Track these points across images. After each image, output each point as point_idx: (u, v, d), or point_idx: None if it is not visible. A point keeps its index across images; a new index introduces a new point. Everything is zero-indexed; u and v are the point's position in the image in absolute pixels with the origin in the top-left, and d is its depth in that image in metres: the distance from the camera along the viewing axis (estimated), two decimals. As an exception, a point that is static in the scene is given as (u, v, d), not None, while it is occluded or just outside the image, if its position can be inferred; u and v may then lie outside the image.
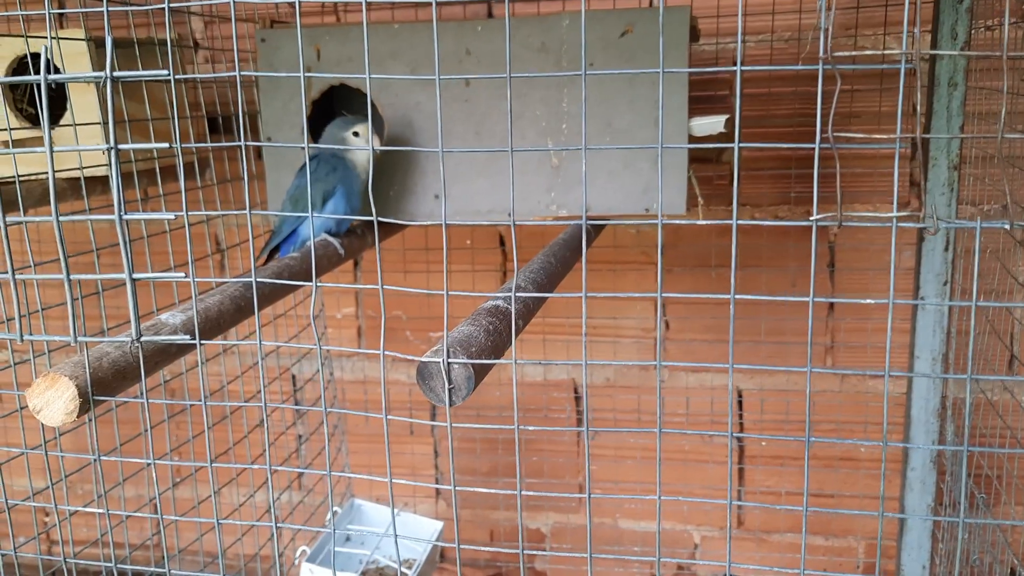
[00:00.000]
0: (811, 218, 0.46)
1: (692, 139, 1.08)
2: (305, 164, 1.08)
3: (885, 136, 0.44)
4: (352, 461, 1.77)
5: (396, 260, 1.63)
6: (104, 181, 1.14)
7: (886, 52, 0.94)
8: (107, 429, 1.45)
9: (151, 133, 1.16)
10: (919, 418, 1.34)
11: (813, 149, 0.45)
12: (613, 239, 1.59)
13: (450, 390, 0.52)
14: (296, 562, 1.33)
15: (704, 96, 1.50)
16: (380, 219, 0.52)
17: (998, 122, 1.22)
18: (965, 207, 1.32)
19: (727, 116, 1.05)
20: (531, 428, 0.47)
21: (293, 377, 1.72)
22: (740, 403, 1.62)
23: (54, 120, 1.14)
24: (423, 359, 0.53)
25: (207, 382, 0.51)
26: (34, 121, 1.20)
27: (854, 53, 0.46)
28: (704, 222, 0.49)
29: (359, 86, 1.13)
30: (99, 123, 1.04)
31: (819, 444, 1.59)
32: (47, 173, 1.04)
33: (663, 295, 0.49)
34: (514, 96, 1.09)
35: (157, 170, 1.20)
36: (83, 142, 1.09)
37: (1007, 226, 0.43)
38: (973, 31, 1.25)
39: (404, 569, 1.35)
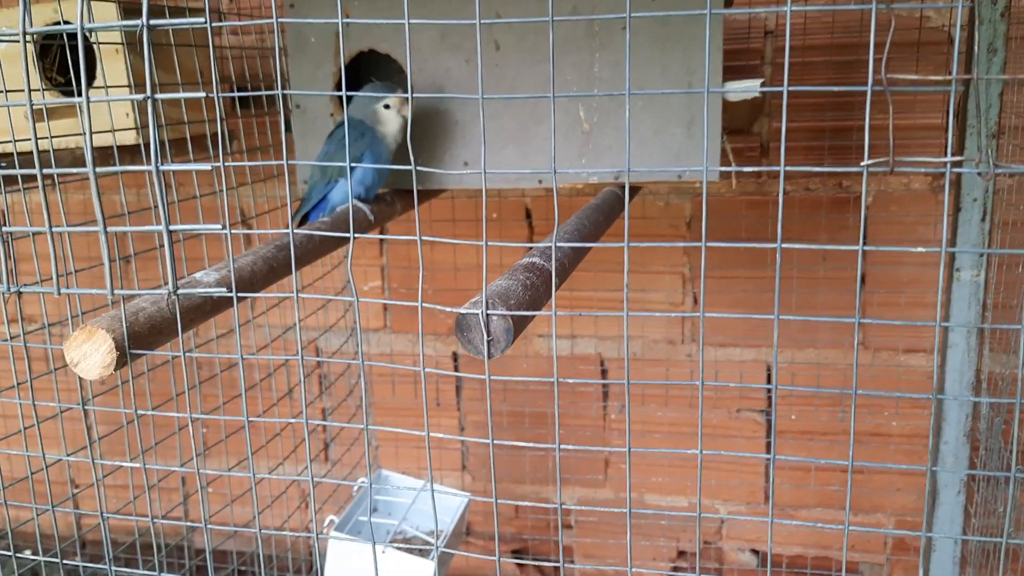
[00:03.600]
0: (862, 163, 0.45)
1: (727, 104, 1.06)
2: (333, 131, 1.07)
3: (939, 78, 0.43)
4: (379, 434, 1.77)
5: (423, 231, 1.62)
6: (134, 150, 1.14)
7: None
8: (136, 399, 1.45)
9: (182, 104, 1.16)
10: (953, 392, 1.32)
11: (860, 101, 0.43)
12: (642, 211, 1.58)
13: (489, 342, 0.51)
14: (324, 532, 1.34)
15: (736, 66, 1.48)
16: (419, 168, 0.51)
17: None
18: (1003, 179, 1.30)
19: (762, 79, 1.03)
20: (570, 380, 0.46)
21: (318, 350, 1.72)
22: (768, 377, 1.60)
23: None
24: (462, 310, 0.52)
25: (240, 339, 0.51)
26: (64, 90, 1.20)
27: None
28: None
29: (388, 51, 1.12)
30: (128, 86, 1.04)
31: (850, 419, 1.57)
32: (80, 136, 1.04)
33: (706, 244, 0.48)
34: (544, 60, 1.08)
35: (188, 139, 1.20)
36: (113, 110, 1.09)
37: (1067, 170, 0.41)
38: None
39: (431, 539, 1.36)
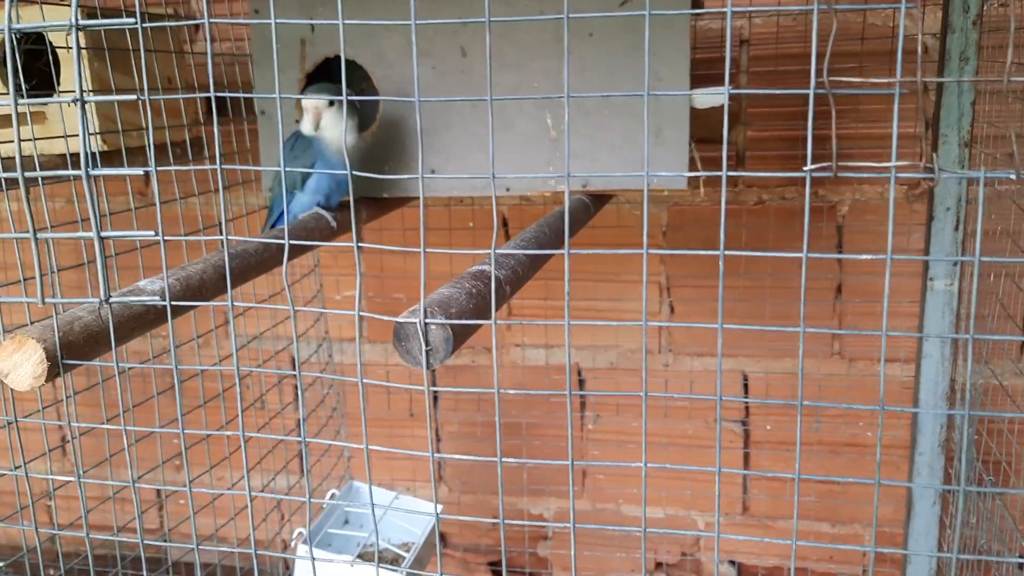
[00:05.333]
0: (805, 168, 0.44)
1: (695, 111, 1.05)
2: (286, 142, 1.05)
3: (883, 80, 0.42)
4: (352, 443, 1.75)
5: (396, 239, 1.61)
6: (105, 157, 1.12)
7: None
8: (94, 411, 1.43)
9: (142, 110, 1.14)
10: (927, 402, 1.31)
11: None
12: (618, 219, 1.57)
13: (427, 352, 0.50)
14: (292, 544, 1.32)
15: (712, 75, 1.47)
16: (355, 173, 0.50)
17: (1011, 101, 1.18)
18: (976, 189, 1.29)
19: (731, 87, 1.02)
20: (511, 391, 0.44)
21: (293, 360, 1.70)
22: (745, 387, 1.59)
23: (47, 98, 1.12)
24: (399, 319, 0.51)
25: (176, 344, 0.49)
26: (27, 95, 1.18)
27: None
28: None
29: (353, 57, 1.11)
30: (90, 91, 1.02)
31: (825, 429, 1.56)
32: (38, 143, 1.02)
33: (652, 251, 0.46)
34: (512, 66, 1.07)
35: (149, 146, 1.18)
36: (73, 119, 1.07)
37: (1012, 176, 0.40)
38: (988, 8, 1.22)
39: (402, 552, 1.34)
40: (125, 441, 0.60)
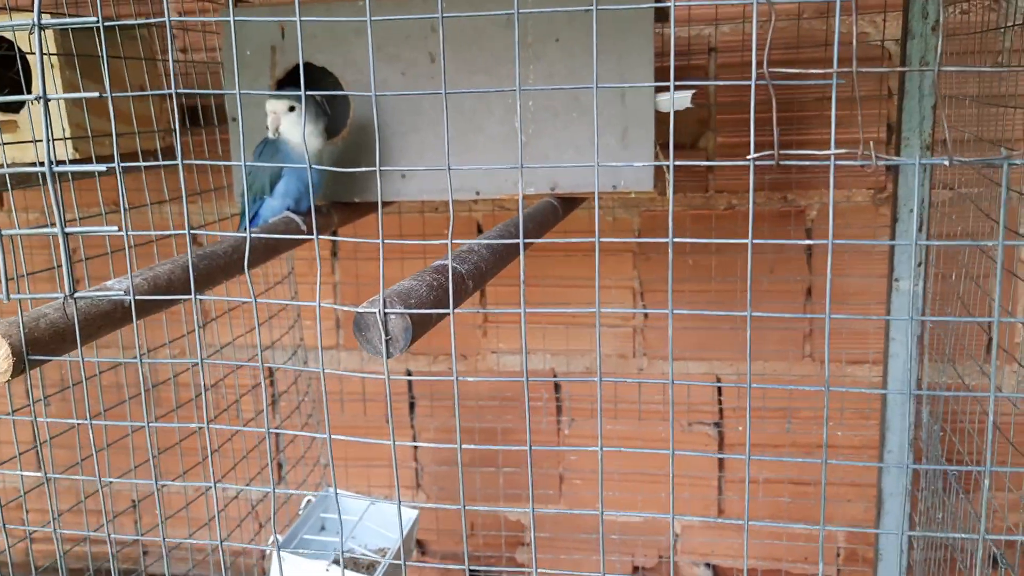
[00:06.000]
0: (748, 157, 0.45)
1: (659, 114, 1.07)
2: (256, 148, 1.06)
3: (820, 71, 0.44)
4: (327, 451, 1.75)
5: (375, 245, 1.62)
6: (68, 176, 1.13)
7: None
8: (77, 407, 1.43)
9: (111, 115, 1.15)
10: (895, 400, 1.33)
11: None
12: (589, 224, 1.59)
13: (387, 341, 0.51)
14: (267, 551, 1.32)
15: (679, 83, 1.49)
16: (314, 167, 0.51)
17: (969, 105, 1.20)
18: (939, 192, 1.32)
19: (693, 92, 1.05)
20: (470, 379, 0.45)
21: (271, 371, 1.71)
22: (719, 389, 1.61)
23: (21, 110, 1.13)
24: (359, 309, 0.52)
25: (143, 341, 0.50)
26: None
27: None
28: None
29: (325, 64, 1.12)
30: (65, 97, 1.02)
31: (798, 431, 1.58)
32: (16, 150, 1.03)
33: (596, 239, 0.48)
34: (481, 72, 1.08)
35: (115, 153, 1.19)
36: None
37: (946, 162, 0.42)
38: (948, 15, 1.24)
39: (378, 557, 1.34)
40: (92, 443, 0.60)
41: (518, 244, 0.81)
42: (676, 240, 0.47)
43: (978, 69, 0.43)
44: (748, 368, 0.50)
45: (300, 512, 1.39)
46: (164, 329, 1.22)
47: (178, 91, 0.50)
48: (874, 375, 1.52)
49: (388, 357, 0.51)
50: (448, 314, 0.56)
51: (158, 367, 1.60)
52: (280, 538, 1.32)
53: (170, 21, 0.51)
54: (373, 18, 0.50)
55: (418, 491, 1.79)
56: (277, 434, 1.70)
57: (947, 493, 1.23)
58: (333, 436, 0.51)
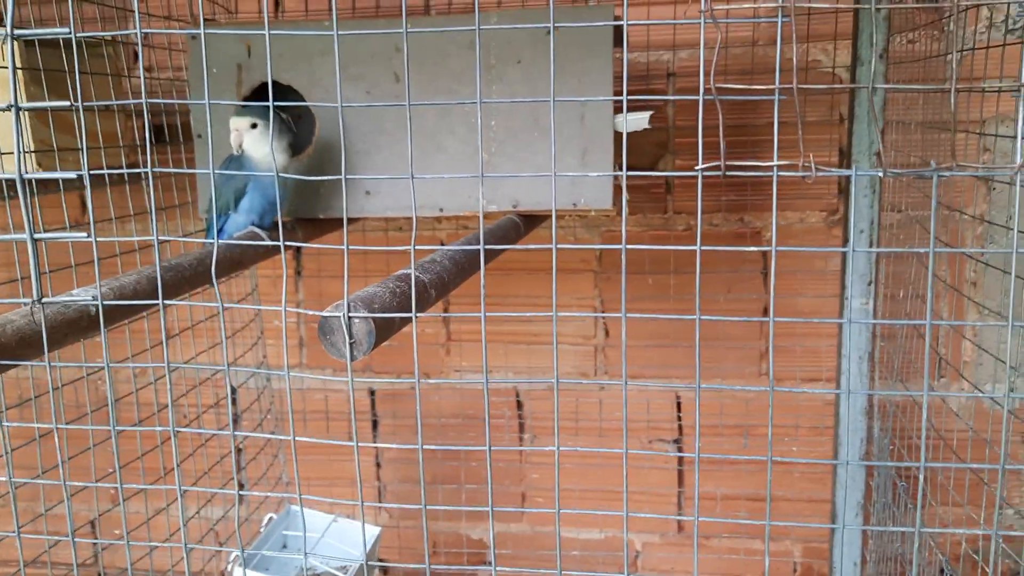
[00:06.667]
0: (696, 168, 0.48)
1: (618, 135, 1.10)
2: (223, 162, 1.08)
3: (763, 87, 0.46)
4: (290, 471, 1.75)
5: (338, 264, 1.63)
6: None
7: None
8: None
9: (78, 132, 1.15)
10: (847, 416, 1.37)
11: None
12: (551, 242, 1.61)
13: (351, 344, 0.53)
14: (229, 568, 1.31)
15: (638, 107, 1.53)
16: (280, 174, 0.52)
17: (915, 130, 1.25)
18: (888, 214, 1.36)
19: (651, 112, 1.08)
20: (431, 381, 0.47)
21: (233, 388, 1.70)
22: (678, 405, 1.64)
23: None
24: (324, 313, 0.53)
25: (110, 352, 0.50)
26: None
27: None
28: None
29: (290, 82, 1.14)
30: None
31: (754, 446, 1.61)
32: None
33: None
34: (444, 91, 1.11)
35: (86, 177, 1.19)
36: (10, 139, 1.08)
37: (880, 174, 0.45)
38: (896, 43, 1.30)
39: (340, 574, 1.34)
40: (58, 449, 0.61)
41: (479, 258, 0.84)
42: (629, 247, 0.49)
43: (908, 88, 0.46)
44: (697, 370, 0.52)
45: (262, 530, 1.39)
46: (127, 344, 1.22)
47: (148, 100, 0.52)
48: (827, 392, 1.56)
49: (352, 360, 0.53)
50: (411, 318, 0.57)
51: (119, 386, 1.59)
52: (241, 555, 1.32)
53: (141, 33, 0.52)
54: (340, 32, 0.52)
55: (380, 512, 1.79)
56: (239, 451, 1.69)
57: (896, 505, 1.27)
58: (298, 438, 0.53)
